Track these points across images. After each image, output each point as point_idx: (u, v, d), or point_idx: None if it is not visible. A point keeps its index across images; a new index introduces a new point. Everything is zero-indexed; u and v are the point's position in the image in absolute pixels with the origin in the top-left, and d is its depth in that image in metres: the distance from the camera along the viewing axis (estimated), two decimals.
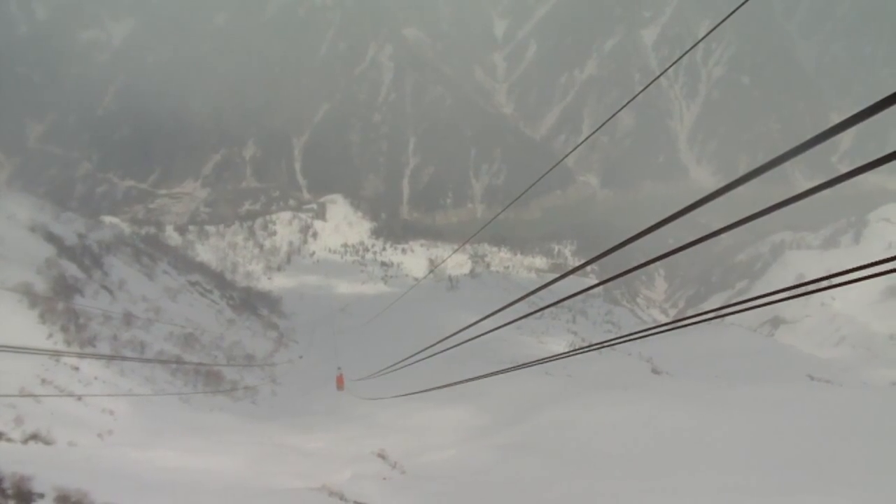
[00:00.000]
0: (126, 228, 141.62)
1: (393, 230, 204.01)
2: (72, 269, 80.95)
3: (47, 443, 39.22)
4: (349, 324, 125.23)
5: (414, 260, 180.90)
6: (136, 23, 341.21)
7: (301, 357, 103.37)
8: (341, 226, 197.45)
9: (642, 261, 7.87)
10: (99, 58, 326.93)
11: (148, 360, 62.68)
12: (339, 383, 63.80)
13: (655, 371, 79.83)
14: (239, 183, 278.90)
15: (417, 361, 23.16)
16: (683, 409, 49.74)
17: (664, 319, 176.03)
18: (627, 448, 43.39)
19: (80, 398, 47.62)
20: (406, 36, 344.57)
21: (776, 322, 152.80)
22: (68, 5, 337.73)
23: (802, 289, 6.87)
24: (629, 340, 9.68)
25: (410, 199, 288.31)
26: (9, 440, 37.72)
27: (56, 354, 50.81)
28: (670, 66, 12.18)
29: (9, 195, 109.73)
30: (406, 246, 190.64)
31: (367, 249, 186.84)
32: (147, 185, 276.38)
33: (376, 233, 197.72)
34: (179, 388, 64.81)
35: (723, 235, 6.25)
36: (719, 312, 8.62)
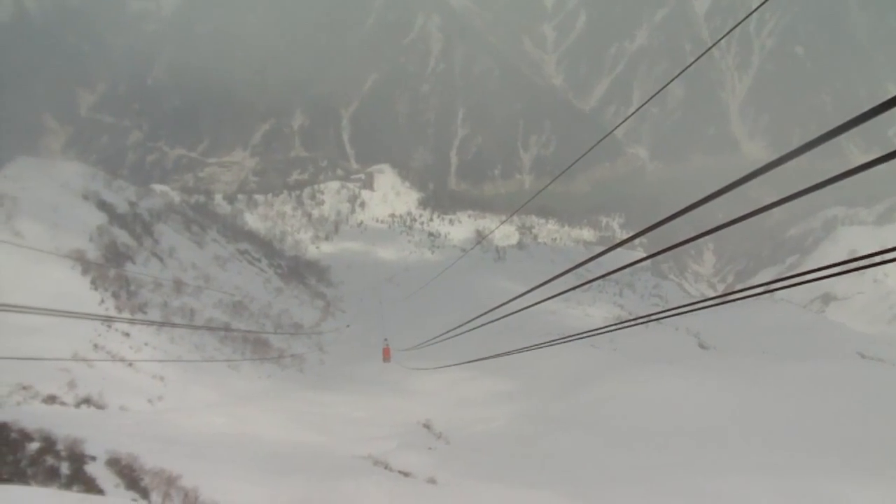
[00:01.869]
0: (176, 197, 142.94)
1: (440, 201, 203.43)
2: (123, 237, 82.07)
3: (99, 407, 39.99)
4: (396, 294, 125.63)
5: (461, 230, 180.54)
6: None
7: (348, 326, 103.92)
8: (389, 196, 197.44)
9: (691, 234, 7.78)
10: (148, 28, 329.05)
11: (197, 328, 63.47)
12: (386, 355, 63.31)
13: (702, 346, 79.41)
14: (287, 152, 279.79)
15: (463, 333, 23.20)
16: (730, 385, 49.41)
17: (712, 294, 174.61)
18: (672, 423, 43.21)
19: (130, 364, 48.43)
20: (454, 6, 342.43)
21: (827, 298, 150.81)
22: None
23: (854, 264, 6.75)
24: (676, 315, 9.59)
25: (458, 169, 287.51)
26: (62, 404, 38.50)
27: (108, 320, 51.64)
28: (722, 38, 11.98)
29: (63, 164, 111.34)
30: (453, 216, 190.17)
31: (414, 220, 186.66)
32: (197, 154, 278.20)
33: (424, 203, 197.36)
34: (228, 355, 65.59)
35: (774, 210, 6.15)
36: (768, 287, 8.50)
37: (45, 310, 15.01)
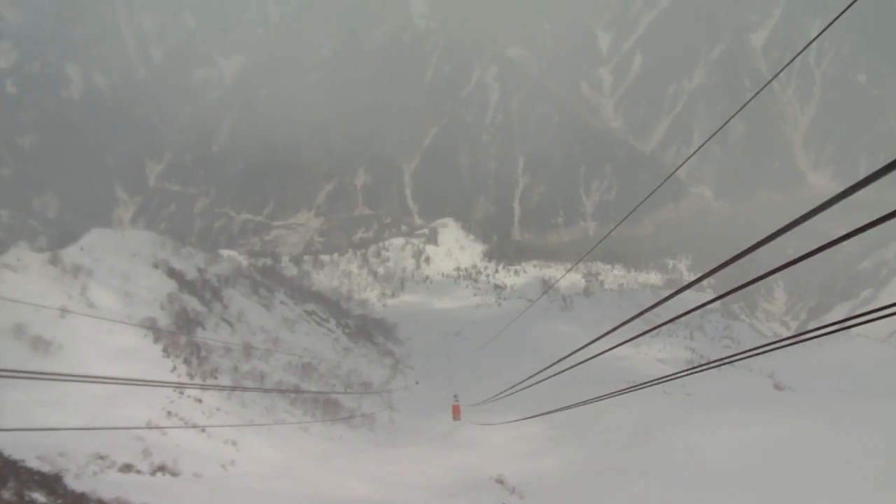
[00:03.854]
0: (243, 261, 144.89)
1: (505, 252, 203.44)
2: (193, 303, 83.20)
3: (174, 474, 40.06)
4: (464, 348, 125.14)
5: (527, 281, 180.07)
6: (246, 59, 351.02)
7: (417, 383, 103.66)
8: (453, 249, 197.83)
9: (760, 272, 7.49)
10: (212, 95, 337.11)
11: (268, 391, 63.73)
12: (456, 413, 61.85)
13: (778, 387, 77.47)
14: (351, 211, 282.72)
15: (532, 385, 22.83)
16: (810, 427, 48.05)
17: (785, 332, 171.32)
18: (753, 469, 42.05)
19: (203, 429, 48.59)
20: (510, 56, 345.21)
21: None
22: (182, 47, 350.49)
23: None
24: (750, 356, 9.25)
25: (521, 219, 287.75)
26: (138, 472, 38.64)
27: (180, 387, 51.98)
28: (782, 70, 11.70)
29: (133, 233, 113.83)
30: (519, 267, 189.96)
31: (479, 272, 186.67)
32: (262, 218, 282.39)
33: (488, 255, 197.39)
34: (299, 417, 65.62)
35: (845, 242, 5.84)
36: (844, 324, 8.12)
37: (120, 379, 15.07)
